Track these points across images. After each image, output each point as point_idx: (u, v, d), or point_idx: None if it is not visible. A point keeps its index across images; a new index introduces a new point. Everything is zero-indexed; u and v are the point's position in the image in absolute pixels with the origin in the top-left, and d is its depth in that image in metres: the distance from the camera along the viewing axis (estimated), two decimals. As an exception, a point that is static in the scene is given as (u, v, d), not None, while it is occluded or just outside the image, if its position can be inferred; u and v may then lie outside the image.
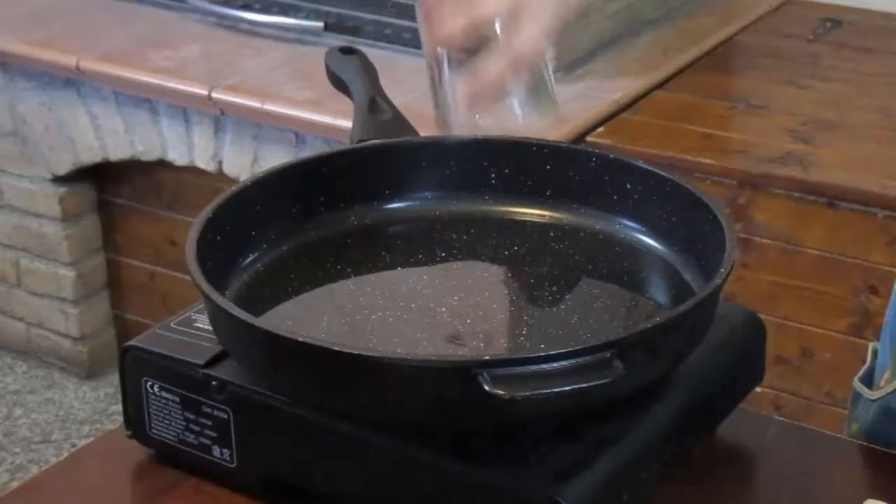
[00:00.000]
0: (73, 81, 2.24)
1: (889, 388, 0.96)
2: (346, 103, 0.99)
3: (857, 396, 1.00)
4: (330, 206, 0.94)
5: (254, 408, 0.80)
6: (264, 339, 0.76)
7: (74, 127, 2.27)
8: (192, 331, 0.85)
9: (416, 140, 0.97)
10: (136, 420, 0.86)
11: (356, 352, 0.74)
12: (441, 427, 0.77)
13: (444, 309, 0.86)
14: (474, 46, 0.88)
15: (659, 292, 0.91)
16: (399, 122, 0.97)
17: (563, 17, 0.89)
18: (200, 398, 0.82)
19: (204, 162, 2.17)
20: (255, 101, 2.03)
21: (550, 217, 0.95)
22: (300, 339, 0.75)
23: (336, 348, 0.74)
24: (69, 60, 2.18)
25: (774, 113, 1.98)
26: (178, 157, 2.20)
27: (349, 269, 0.91)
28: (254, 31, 2.24)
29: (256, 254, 0.90)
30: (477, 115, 0.89)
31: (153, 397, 0.84)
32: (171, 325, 0.86)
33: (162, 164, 2.24)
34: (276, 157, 2.06)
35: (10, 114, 2.34)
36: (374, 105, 0.97)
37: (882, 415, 0.97)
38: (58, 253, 2.42)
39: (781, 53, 2.20)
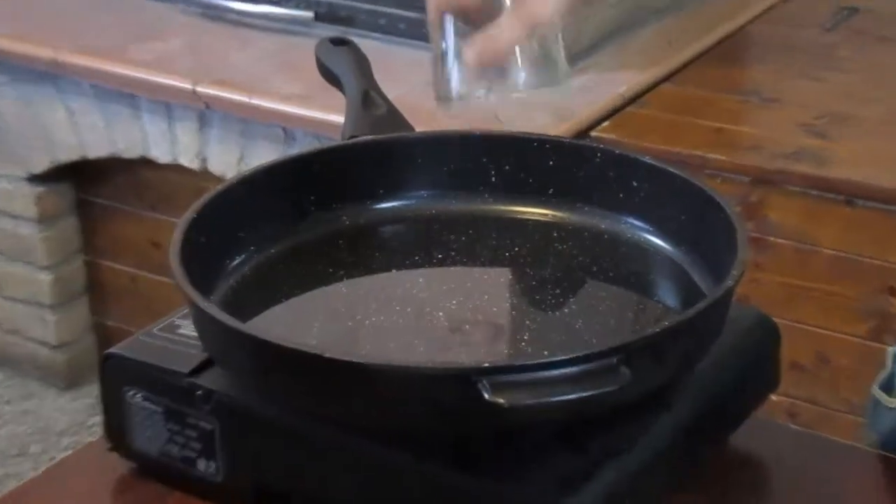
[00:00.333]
0: (49, 75, 2.20)
1: (909, 395, 0.96)
2: (338, 97, 0.99)
3: (876, 404, 0.99)
4: (321, 205, 0.93)
5: (241, 418, 0.80)
6: (252, 345, 0.76)
7: (52, 123, 2.24)
8: (177, 337, 0.84)
9: (411, 136, 0.96)
10: (117, 432, 0.85)
11: (349, 359, 0.73)
12: (439, 436, 0.75)
13: (441, 313, 0.85)
14: (482, 12, 0.87)
15: (667, 295, 0.90)
16: (394, 117, 0.96)
17: None
18: (185, 408, 0.81)
19: (188, 160, 2.15)
20: (241, 96, 2.00)
21: (553, 216, 0.94)
22: (290, 345, 0.74)
23: (328, 355, 0.73)
24: (46, 53, 2.15)
25: (788, 106, 1.96)
26: (160, 154, 2.17)
27: (341, 272, 0.90)
28: (240, 21, 2.21)
29: (244, 256, 0.89)
30: (482, 90, 0.88)
31: (135, 408, 0.83)
32: (154, 331, 0.85)
33: (144, 162, 2.22)
34: (263, 154, 2.03)
35: (-16, 110, 2.32)
36: (368, 99, 0.97)
37: (902, 423, 0.96)
38: (34, 256, 2.38)
39: (795, 43, 2.18)
